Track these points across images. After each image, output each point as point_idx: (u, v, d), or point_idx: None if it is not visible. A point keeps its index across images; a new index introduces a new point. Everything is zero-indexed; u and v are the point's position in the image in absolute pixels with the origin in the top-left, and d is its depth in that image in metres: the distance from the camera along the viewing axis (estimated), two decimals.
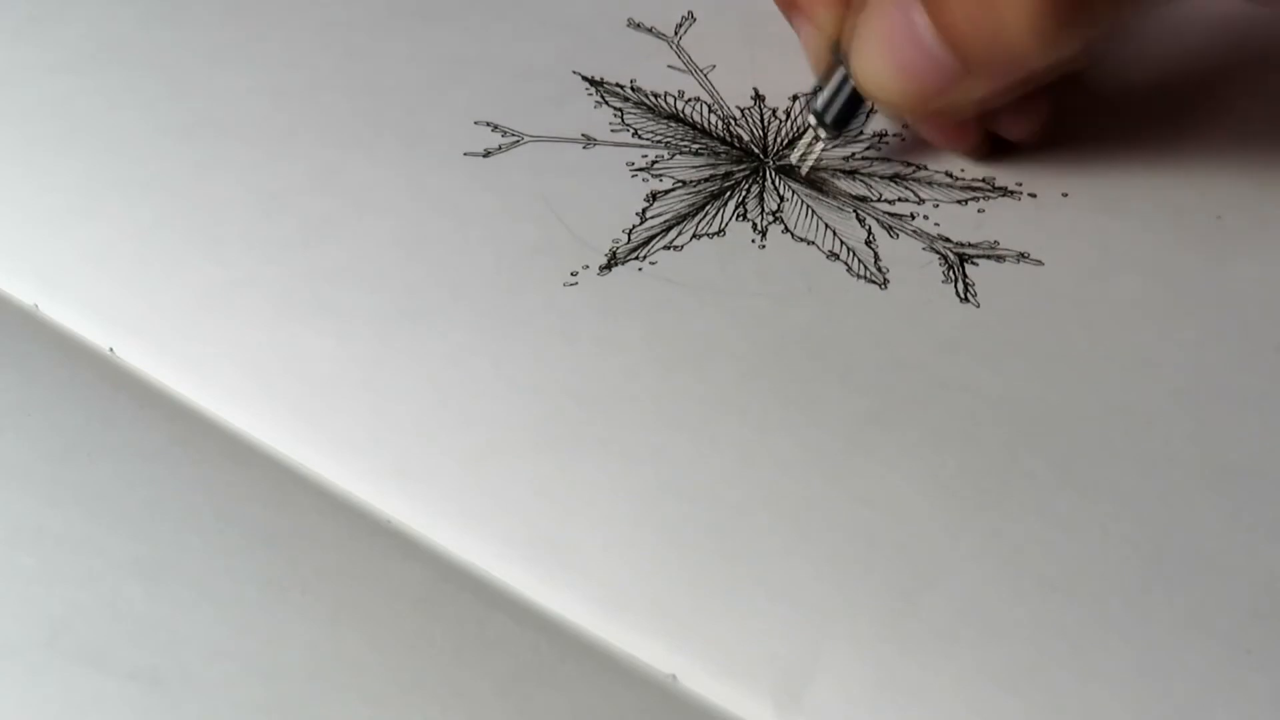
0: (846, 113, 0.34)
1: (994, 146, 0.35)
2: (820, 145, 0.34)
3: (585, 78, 0.37)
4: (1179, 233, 0.32)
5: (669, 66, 0.38)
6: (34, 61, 0.38)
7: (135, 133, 0.35)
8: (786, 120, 0.36)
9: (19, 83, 0.37)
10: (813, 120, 0.34)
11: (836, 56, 0.33)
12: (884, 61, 0.31)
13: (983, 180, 0.34)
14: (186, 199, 0.34)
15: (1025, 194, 0.34)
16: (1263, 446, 0.28)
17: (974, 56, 0.30)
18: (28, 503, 0.27)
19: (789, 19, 0.35)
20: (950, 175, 0.34)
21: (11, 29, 0.39)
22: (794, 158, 0.34)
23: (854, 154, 0.35)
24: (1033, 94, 0.32)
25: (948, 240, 0.33)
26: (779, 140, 0.36)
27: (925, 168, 0.34)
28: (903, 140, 0.35)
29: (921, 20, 0.30)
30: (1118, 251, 0.32)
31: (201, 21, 0.39)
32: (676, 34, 0.39)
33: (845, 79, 0.33)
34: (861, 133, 0.35)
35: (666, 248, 0.32)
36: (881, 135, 0.35)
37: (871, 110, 0.35)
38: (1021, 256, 0.32)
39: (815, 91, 0.34)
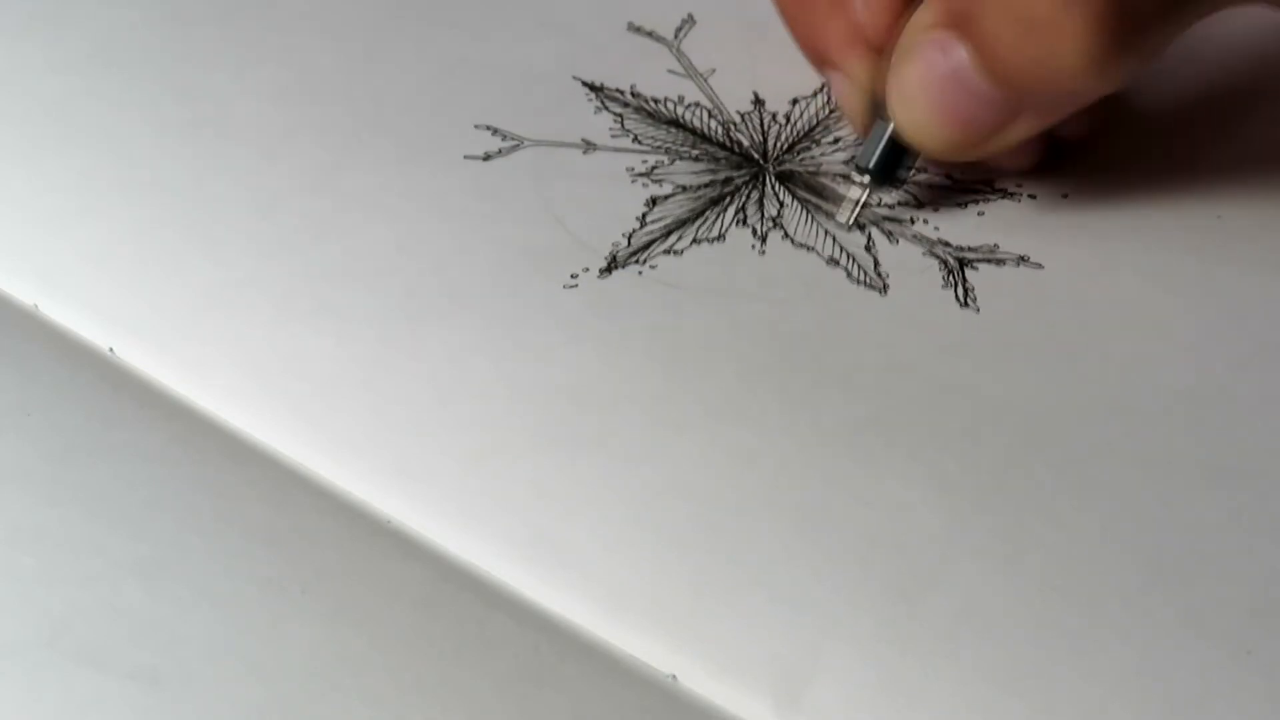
0: (892, 163, 0.32)
1: (1050, 151, 0.34)
2: (865, 196, 0.33)
3: (585, 83, 0.37)
4: (1179, 233, 0.33)
5: (669, 71, 0.38)
6: (34, 61, 0.38)
7: (135, 133, 0.35)
8: (787, 125, 0.36)
9: (19, 83, 0.37)
10: (857, 177, 0.32)
11: (877, 107, 0.32)
12: (929, 108, 0.30)
13: (982, 183, 0.34)
14: (186, 199, 0.33)
15: (1025, 196, 0.34)
16: (1263, 446, 0.28)
17: (1026, 92, 0.29)
18: (28, 503, 0.27)
19: (819, 72, 0.34)
20: (950, 178, 0.34)
21: (11, 29, 0.39)
22: (841, 217, 0.33)
23: (852, 158, 0.35)
24: None
25: (947, 244, 0.33)
26: (779, 145, 0.36)
27: (924, 171, 0.34)
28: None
29: (966, 59, 0.29)
30: (1118, 252, 0.32)
31: (202, 22, 0.39)
32: (676, 38, 0.39)
33: (888, 130, 0.32)
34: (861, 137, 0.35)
35: (666, 252, 0.32)
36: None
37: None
38: (1021, 260, 0.32)
39: (865, 153, 0.32)
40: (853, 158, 0.34)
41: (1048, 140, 0.33)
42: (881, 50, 0.32)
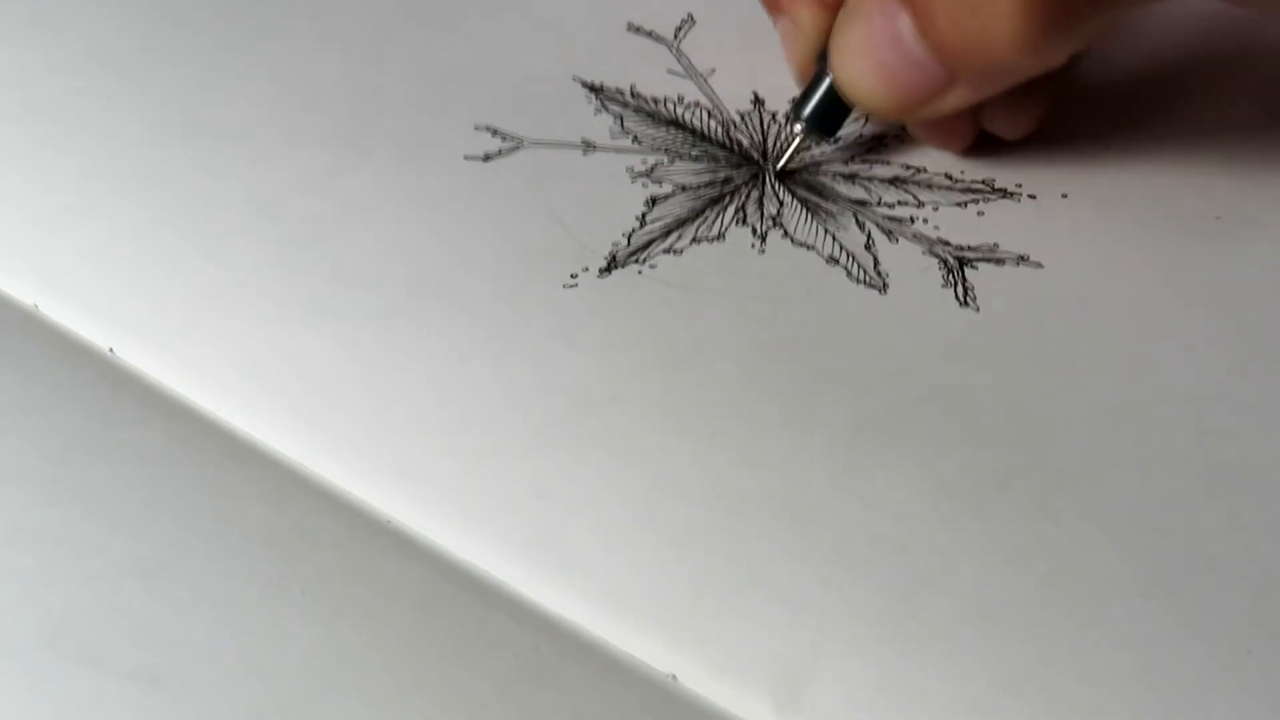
0: (829, 114, 0.33)
1: (987, 142, 0.34)
2: (799, 143, 0.34)
3: (585, 84, 0.37)
4: (1179, 233, 0.33)
5: (669, 71, 0.38)
6: (34, 62, 0.38)
7: (135, 133, 0.35)
8: (786, 124, 0.36)
9: (19, 83, 0.37)
10: (798, 126, 0.33)
11: (820, 57, 0.33)
12: (867, 66, 0.31)
13: (982, 182, 0.34)
14: (186, 199, 0.33)
15: (1025, 195, 0.34)
16: (1263, 446, 0.28)
17: (960, 63, 0.30)
18: (28, 503, 0.27)
19: (770, 15, 0.35)
20: (949, 178, 0.34)
21: (12, 30, 0.39)
22: (776, 163, 0.34)
23: (853, 155, 0.35)
24: (1026, 93, 0.32)
25: (947, 243, 0.33)
26: (778, 145, 0.36)
27: (924, 170, 0.34)
28: (900, 141, 0.35)
29: (906, 26, 0.30)
30: (1118, 252, 0.32)
31: (202, 22, 0.39)
32: (676, 38, 0.39)
33: (827, 81, 0.32)
34: (861, 135, 0.35)
35: (666, 251, 0.32)
36: (880, 138, 0.35)
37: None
38: (1021, 259, 0.32)
39: (803, 102, 0.33)
40: (791, 100, 0.34)
41: (978, 126, 0.34)
42: (831, 2, 0.32)
